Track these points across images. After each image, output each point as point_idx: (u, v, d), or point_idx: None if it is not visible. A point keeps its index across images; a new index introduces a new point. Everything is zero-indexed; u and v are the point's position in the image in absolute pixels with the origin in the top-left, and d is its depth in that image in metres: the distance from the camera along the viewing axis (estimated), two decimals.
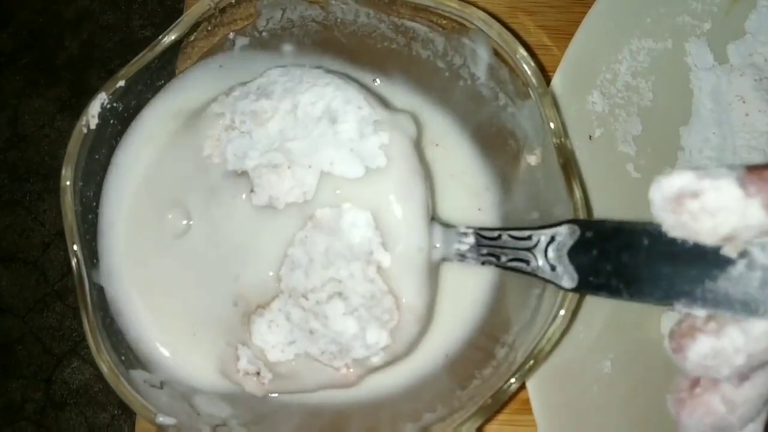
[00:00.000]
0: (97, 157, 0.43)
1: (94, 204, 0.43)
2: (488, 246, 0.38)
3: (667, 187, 0.26)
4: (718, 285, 0.26)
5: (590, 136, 0.49)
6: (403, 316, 0.38)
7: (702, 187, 0.25)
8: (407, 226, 0.38)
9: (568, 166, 0.39)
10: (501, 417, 0.47)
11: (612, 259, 0.31)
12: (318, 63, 0.49)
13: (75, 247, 0.39)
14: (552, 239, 0.34)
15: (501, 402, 0.37)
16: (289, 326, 0.40)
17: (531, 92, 0.40)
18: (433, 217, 0.40)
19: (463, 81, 0.47)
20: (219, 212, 0.42)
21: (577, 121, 0.48)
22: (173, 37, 0.42)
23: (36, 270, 1.29)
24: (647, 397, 0.44)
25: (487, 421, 0.39)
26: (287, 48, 0.48)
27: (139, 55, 0.42)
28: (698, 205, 0.25)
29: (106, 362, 0.38)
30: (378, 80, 0.49)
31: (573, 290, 0.34)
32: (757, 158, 0.48)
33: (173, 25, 0.42)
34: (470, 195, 0.48)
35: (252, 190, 0.41)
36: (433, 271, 0.40)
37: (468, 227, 0.39)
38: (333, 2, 0.45)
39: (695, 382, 0.28)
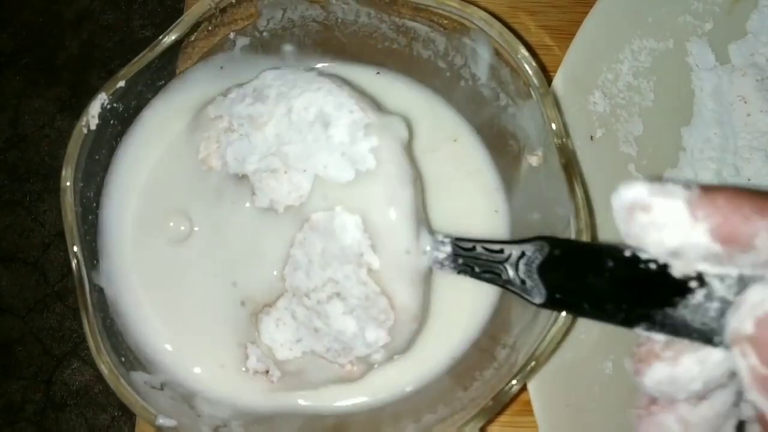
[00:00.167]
0: (97, 157, 0.43)
1: (95, 205, 0.43)
2: (464, 256, 0.38)
3: (623, 197, 0.26)
4: (677, 312, 0.27)
5: (592, 137, 0.48)
6: (398, 315, 0.39)
7: (652, 202, 0.26)
8: (394, 228, 0.38)
9: (570, 166, 0.38)
10: (502, 418, 0.47)
11: (579, 279, 0.31)
12: (319, 62, 0.49)
13: (75, 248, 0.39)
14: (523, 254, 0.35)
15: (502, 403, 0.37)
16: (296, 324, 0.41)
17: (532, 92, 0.40)
18: (433, 232, 0.41)
19: (464, 81, 0.47)
20: (222, 215, 0.42)
21: (578, 122, 0.48)
22: (174, 37, 0.42)
23: (36, 270, 1.29)
24: None
25: (489, 422, 0.38)
26: (288, 48, 0.48)
27: (140, 56, 0.42)
28: (647, 219, 0.26)
29: (106, 363, 0.38)
30: (380, 72, 0.49)
31: (541, 306, 0.34)
32: (758, 159, 0.48)
33: (174, 25, 0.42)
34: (485, 195, 0.47)
35: (254, 194, 0.41)
36: (425, 274, 0.40)
37: (446, 236, 0.39)
38: (334, 2, 0.45)
39: (653, 400, 0.29)
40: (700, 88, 0.51)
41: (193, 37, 0.44)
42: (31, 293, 1.28)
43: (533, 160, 0.43)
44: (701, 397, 0.28)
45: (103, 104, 0.41)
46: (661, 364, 0.27)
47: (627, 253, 0.28)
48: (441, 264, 0.39)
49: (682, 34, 0.51)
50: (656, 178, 0.49)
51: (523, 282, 0.35)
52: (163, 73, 0.45)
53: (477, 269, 0.37)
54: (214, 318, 0.43)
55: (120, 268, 0.43)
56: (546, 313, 0.38)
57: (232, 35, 0.46)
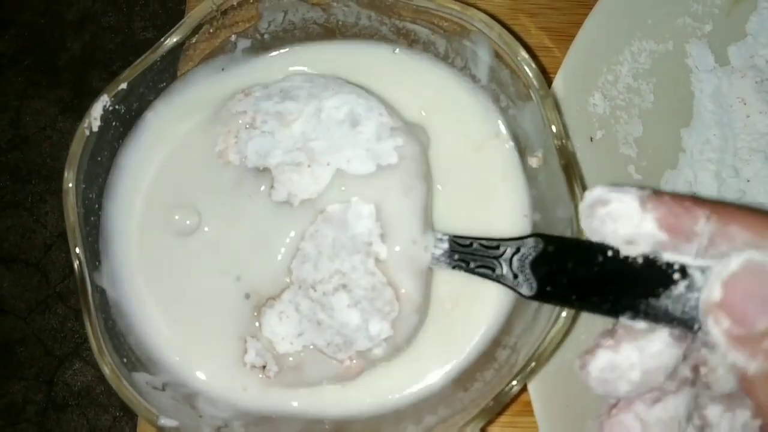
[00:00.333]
0: (99, 159, 0.43)
1: (97, 206, 0.43)
2: (460, 252, 0.40)
3: (587, 197, 0.30)
4: (660, 302, 0.29)
5: (591, 138, 0.48)
6: (402, 306, 0.40)
7: (610, 197, 0.30)
8: (405, 218, 0.41)
9: (570, 167, 0.39)
10: (503, 419, 0.47)
11: (568, 273, 0.33)
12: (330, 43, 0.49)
13: (77, 250, 0.39)
14: (517, 250, 0.37)
15: (503, 404, 0.37)
16: (299, 317, 0.41)
17: (532, 94, 0.40)
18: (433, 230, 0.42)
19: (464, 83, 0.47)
20: (235, 209, 0.43)
21: (578, 123, 0.48)
22: (175, 40, 0.42)
23: (38, 271, 1.29)
24: None
25: (489, 423, 0.39)
26: (287, 49, 0.48)
27: (141, 58, 0.42)
28: (605, 211, 0.30)
29: (108, 364, 0.38)
30: (398, 50, 0.48)
31: (530, 298, 0.36)
32: (758, 160, 0.48)
33: (175, 27, 0.42)
34: (512, 198, 0.46)
35: (272, 186, 0.42)
36: (426, 268, 0.41)
37: (444, 234, 0.41)
38: (335, 4, 0.45)
39: (613, 406, 0.31)
40: (700, 89, 0.51)
41: (194, 39, 0.44)
42: (33, 294, 1.28)
43: (533, 161, 0.43)
44: (655, 399, 0.30)
45: (105, 106, 0.41)
46: (604, 351, 0.30)
47: (614, 250, 0.30)
48: (438, 260, 0.40)
49: (682, 36, 0.51)
50: (656, 179, 0.49)
51: (515, 276, 0.37)
52: (164, 74, 0.45)
53: (472, 264, 0.39)
54: (216, 311, 0.43)
55: (123, 267, 0.43)
56: (546, 314, 0.38)
57: (233, 37, 0.46)
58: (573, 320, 0.38)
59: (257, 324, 0.42)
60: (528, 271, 0.36)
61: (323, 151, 0.42)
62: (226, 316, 0.43)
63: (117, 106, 0.42)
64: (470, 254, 0.39)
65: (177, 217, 0.44)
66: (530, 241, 0.36)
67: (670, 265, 0.29)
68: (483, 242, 0.39)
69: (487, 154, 0.47)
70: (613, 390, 0.30)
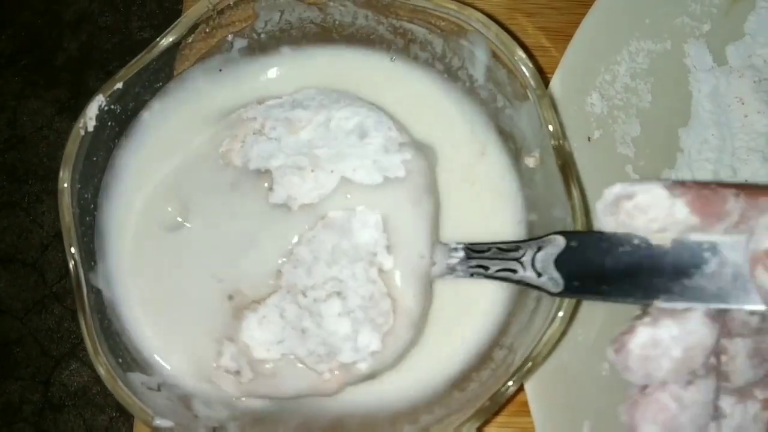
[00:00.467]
0: (95, 159, 0.43)
1: (92, 206, 0.43)
2: (477, 258, 0.40)
3: (607, 194, 0.30)
4: (694, 281, 0.30)
5: (589, 138, 0.48)
6: (398, 320, 0.39)
7: (634, 190, 0.30)
8: (413, 232, 0.40)
9: (567, 167, 0.39)
10: (499, 419, 0.47)
11: (595, 265, 0.33)
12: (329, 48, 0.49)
13: (73, 250, 0.39)
14: (538, 249, 0.37)
15: (499, 404, 0.37)
16: (282, 323, 0.40)
17: (529, 94, 0.40)
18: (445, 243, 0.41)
19: (461, 83, 0.47)
20: (227, 206, 0.43)
21: (575, 123, 0.48)
22: (171, 39, 0.42)
23: (34, 271, 1.29)
24: None
25: (485, 423, 0.39)
26: (285, 50, 0.48)
27: (138, 57, 0.42)
28: (632, 204, 0.30)
29: (103, 365, 0.38)
30: (393, 58, 0.48)
31: (559, 294, 0.36)
32: (756, 160, 0.48)
33: (171, 26, 0.42)
34: (507, 207, 0.46)
35: (271, 189, 0.42)
36: (430, 284, 0.41)
37: (458, 243, 0.41)
38: (331, 4, 0.45)
39: (644, 388, 0.31)
40: (698, 89, 0.51)
41: (190, 39, 0.44)
42: (30, 294, 1.28)
43: (530, 161, 0.43)
44: (688, 382, 0.30)
45: (100, 106, 0.41)
46: (644, 327, 0.30)
47: (641, 238, 0.31)
48: (453, 269, 0.40)
49: (680, 36, 0.51)
50: (653, 179, 0.49)
51: (539, 275, 0.36)
52: (160, 74, 0.45)
53: (491, 269, 0.39)
54: (197, 310, 0.42)
55: (117, 267, 0.43)
56: (543, 315, 0.38)
57: (229, 37, 0.46)
58: (570, 320, 0.38)
59: (237, 327, 0.41)
60: (552, 268, 0.35)
61: (328, 158, 0.42)
62: (206, 317, 0.42)
63: (113, 106, 0.42)
64: (488, 259, 0.39)
65: (168, 210, 0.43)
66: (551, 239, 0.36)
67: (699, 244, 0.29)
68: (501, 246, 0.39)
69: (481, 168, 0.46)
70: (654, 368, 0.30)
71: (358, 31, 0.47)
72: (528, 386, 0.44)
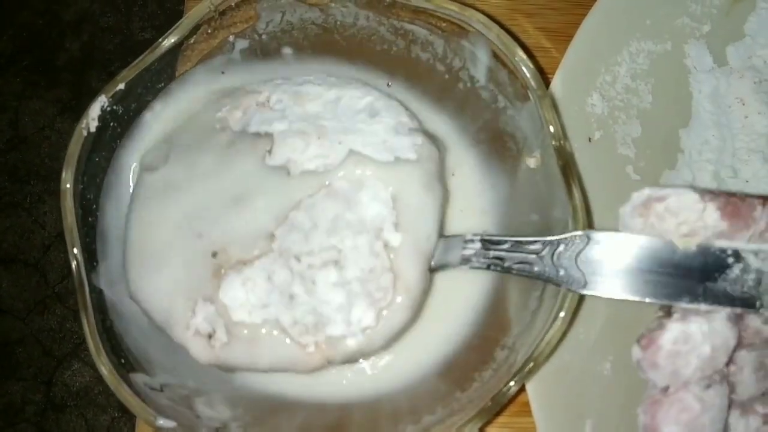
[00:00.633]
0: (97, 159, 0.43)
1: (94, 206, 0.43)
2: (494, 250, 0.39)
3: (636, 197, 0.31)
4: (718, 286, 0.30)
5: (590, 139, 0.48)
6: (397, 297, 0.39)
7: (666, 193, 0.31)
8: (422, 213, 0.40)
9: (568, 168, 0.39)
10: (500, 419, 0.47)
11: (618, 264, 0.34)
12: (320, 66, 0.49)
13: (75, 250, 0.39)
14: (559, 245, 0.37)
15: (501, 404, 0.37)
16: (268, 287, 0.39)
17: (530, 94, 0.40)
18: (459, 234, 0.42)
19: (462, 84, 0.47)
20: (219, 164, 0.42)
21: (576, 124, 0.48)
22: (173, 40, 0.42)
23: (36, 272, 1.29)
24: None
25: (487, 423, 0.39)
26: (287, 51, 0.48)
27: (140, 58, 0.42)
28: (663, 207, 0.30)
29: (105, 365, 0.38)
30: (390, 84, 0.49)
31: (578, 291, 0.36)
32: (756, 160, 0.48)
33: (173, 27, 0.42)
34: (473, 196, 0.48)
35: (270, 150, 0.41)
36: (431, 270, 0.41)
37: (475, 234, 0.40)
38: (333, 5, 0.45)
39: (665, 389, 0.31)
40: (698, 90, 0.51)
41: (192, 40, 0.44)
42: (32, 294, 1.28)
43: (531, 161, 0.43)
44: (707, 385, 0.30)
45: (103, 106, 0.41)
46: (675, 323, 0.31)
47: (662, 242, 0.31)
48: (468, 260, 0.40)
49: (680, 37, 0.51)
50: (654, 180, 0.49)
51: (558, 271, 0.37)
52: (162, 75, 0.45)
53: (507, 262, 0.39)
54: (175, 263, 0.40)
55: (120, 267, 0.43)
56: (544, 315, 0.38)
57: (231, 38, 0.46)
58: (571, 320, 0.38)
59: (216, 286, 0.39)
60: (574, 265, 0.36)
61: (336, 130, 0.41)
62: (183, 271, 0.40)
63: (115, 107, 0.42)
64: (505, 251, 0.39)
65: (152, 157, 0.43)
66: (574, 237, 0.36)
67: (723, 250, 0.30)
68: (520, 239, 0.39)
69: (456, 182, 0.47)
70: (682, 365, 0.30)
71: (359, 32, 0.47)
72: (529, 386, 0.44)
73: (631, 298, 0.34)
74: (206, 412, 0.41)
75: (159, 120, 0.46)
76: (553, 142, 0.39)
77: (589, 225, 0.40)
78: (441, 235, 0.41)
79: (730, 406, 0.31)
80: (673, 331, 0.30)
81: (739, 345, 0.31)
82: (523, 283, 0.42)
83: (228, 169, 0.42)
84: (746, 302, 0.30)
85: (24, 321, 1.27)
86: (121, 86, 0.41)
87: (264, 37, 0.47)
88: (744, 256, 0.30)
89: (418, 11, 0.43)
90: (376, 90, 0.43)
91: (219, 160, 0.42)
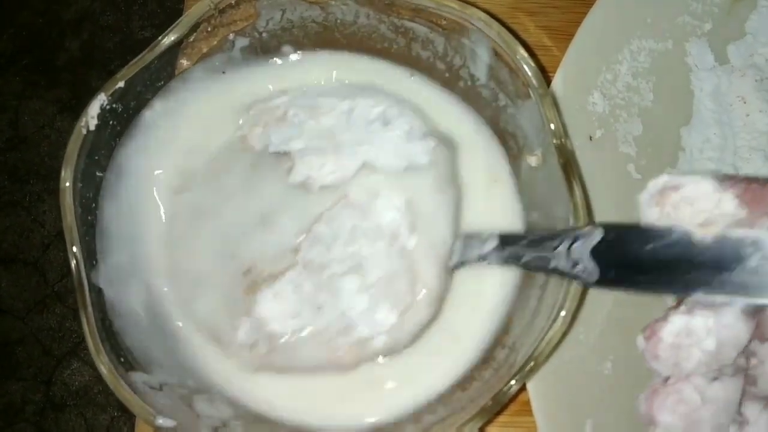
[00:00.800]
0: (96, 158, 0.43)
1: (94, 205, 0.43)
2: (511, 247, 0.40)
3: (652, 185, 0.30)
4: (735, 276, 0.29)
5: (591, 137, 0.48)
6: (417, 296, 0.40)
7: (682, 181, 0.29)
8: (436, 217, 0.41)
9: (569, 166, 0.39)
10: (501, 419, 0.47)
11: (633, 257, 0.33)
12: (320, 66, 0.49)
13: (74, 249, 0.39)
14: (575, 239, 0.36)
15: (501, 403, 0.37)
16: (297, 299, 0.41)
17: (531, 93, 0.40)
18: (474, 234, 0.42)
19: (463, 82, 0.47)
20: (245, 186, 0.44)
21: (577, 122, 0.48)
22: (173, 38, 0.42)
23: (36, 271, 1.29)
24: None
25: (488, 422, 0.38)
26: (287, 49, 0.48)
27: (139, 56, 0.42)
28: (679, 196, 0.29)
29: (105, 364, 0.38)
30: (413, 76, 0.49)
31: (594, 284, 0.36)
32: (758, 159, 0.48)
33: (173, 25, 0.42)
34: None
35: (290, 169, 0.43)
36: (450, 271, 0.42)
37: (491, 232, 0.41)
38: (333, 3, 0.45)
39: (666, 379, 0.30)
40: (700, 88, 0.51)
41: (192, 38, 0.44)
42: (31, 294, 1.28)
43: (532, 160, 0.43)
44: (713, 378, 0.29)
45: (102, 105, 0.41)
46: (678, 316, 0.30)
47: (682, 231, 0.30)
48: (485, 258, 0.40)
49: (681, 35, 0.51)
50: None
51: (574, 266, 0.36)
52: (162, 73, 0.45)
53: (525, 258, 0.39)
54: (212, 284, 0.43)
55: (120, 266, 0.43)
56: (545, 314, 0.38)
57: (231, 36, 0.46)
58: (572, 320, 0.38)
59: (252, 301, 0.42)
60: (588, 258, 0.35)
61: (350, 143, 0.43)
62: (221, 292, 0.42)
63: (114, 105, 0.42)
64: (522, 248, 0.39)
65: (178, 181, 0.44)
66: (589, 230, 0.36)
67: (741, 238, 0.29)
68: (536, 236, 0.39)
69: (492, 197, 0.46)
70: (683, 358, 0.29)
71: (360, 30, 0.47)
72: (530, 386, 0.44)
73: (645, 291, 0.33)
74: (206, 411, 0.41)
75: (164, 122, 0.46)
76: (554, 141, 0.39)
77: (590, 223, 0.40)
78: (458, 233, 0.42)
79: (743, 400, 0.30)
80: (675, 323, 0.30)
81: (762, 338, 0.30)
82: (522, 282, 0.43)
83: (254, 190, 0.43)
84: (763, 294, 0.29)
85: (23, 320, 1.27)
86: (121, 84, 0.41)
87: (264, 35, 0.47)
88: (764, 245, 0.28)
89: (418, 9, 0.43)
90: (388, 98, 0.45)
91: (245, 182, 0.44)
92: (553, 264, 0.37)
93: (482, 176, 0.46)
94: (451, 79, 0.47)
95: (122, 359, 0.40)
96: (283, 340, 0.41)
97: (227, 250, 0.43)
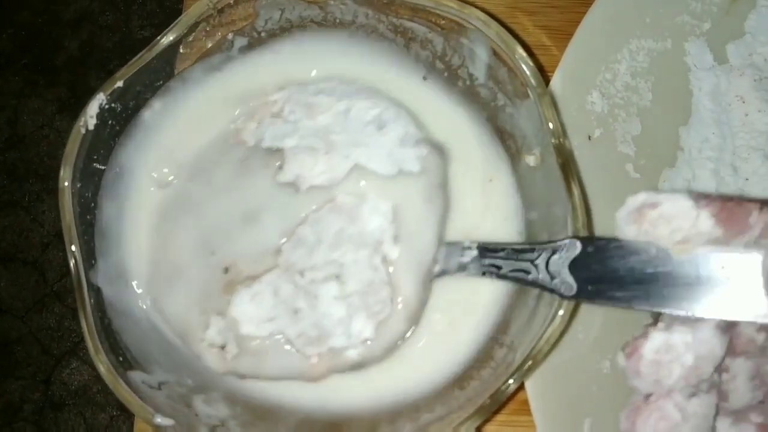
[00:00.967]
0: (95, 157, 0.43)
1: (93, 204, 0.43)
2: (490, 257, 0.40)
3: (631, 202, 0.31)
4: (708, 293, 0.30)
5: (589, 137, 0.48)
6: (394, 310, 0.40)
7: (659, 199, 0.30)
8: (422, 226, 0.41)
9: (567, 166, 0.39)
10: (499, 417, 0.47)
11: (610, 271, 0.34)
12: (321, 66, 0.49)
13: (73, 248, 0.39)
14: (554, 252, 0.37)
15: (499, 402, 0.37)
16: (274, 302, 0.41)
17: (530, 92, 0.40)
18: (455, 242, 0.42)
19: (461, 81, 0.47)
20: (231, 180, 0.43)
21: (576, 122, 0.48)
22: (172, 38, 0.42)
23: (35, 270, 1.29)
24: None
25: (486, 421, 0.39)
26: (286, 48, 0.48)
27: (138, 56, 0.42)
28: (657, 213, 0.30)
29: (104, 363, 0.38)
30: (426, 77, 0.48)
31: (571, 298, 0.36)
32: (756, 158, 0.48)
33: (172, 25, 0.42)
34: (510, 226, 0.46)
35: (281, 167, 0.42)
36: (430, 280, 0.41)
37: (472, 242, 0.41)
38: (332, 2, 0.45)
39: (648, 395, 0.31)
40: (698, 87, 0.51)
41: (191, 38, 0.44)
42: (30, 293, 1.28)
43: (531, 159, 0.43)
44: (692, 393, 0.30)
45: (101, 104, 0.41)
46: (658, 332, 0.30)
47: (658, 248, 0.31)
48: (465, 267, 0.41)
49: (680, 34, 0.51)
50: (654, 178, 0.49)
51: (552, 278, 0.37)
52: (161, 73, 0.45)
53: (504, 269, 0.39)
54: (189, 278, 0.42)
55: (119, 265, 0.43)
56: (543, 313, 0.38)
57: (230, 36, 0.46)
58: (570, 319, 0.38)
59: (227, 301, 0.41)
60: (566, 272, 0.36)
61: (344, 144, 0.42)
62: (197, 287, 0.42)
63: (113, 104, 0.42)
64: (501, 259, 0.39)
65: (165, 170, 0.44)
66: (567, 244, 0.36)
67: (715, 257, 0.30)
68: (515, 247, 0.39)
69: (488, 194, 0.46)
70: (664, 375, 0.30)
71: (358, 29, 0.47)
72: (528, 385, 0.44)
73: (621, 305, 0.34)
74: (205, 410, 0.41)
75: (162, 121, 0.46)
76: (553, 140, 0.39)
77: (589, 223, 0.40)
78: (442, 242, 0.42)
79: (716, 415, 0.31)
80: (655, 340, 0.30)
81: (733, 353, 0.31)
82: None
83: (242, 185, 0.43)
84: (735, 312, 0.30)
85: (23, 319, 1.26)
86: (120, 84, 0.41)
87: (263, 34, 0.47)
88: (736, 264, 0.29)
89: (417, 9, 0.43)
90: (385, 100, 0.44)
91: (233, 176, 0.43)
92: (531, 276, 0.38)
93: (479, 176, 0.46)
94: (449, 78, 0.47)
95: (121, 358, 0.40)
96: (254, 343, 0.41)
97: (208, 245, 0.42)
